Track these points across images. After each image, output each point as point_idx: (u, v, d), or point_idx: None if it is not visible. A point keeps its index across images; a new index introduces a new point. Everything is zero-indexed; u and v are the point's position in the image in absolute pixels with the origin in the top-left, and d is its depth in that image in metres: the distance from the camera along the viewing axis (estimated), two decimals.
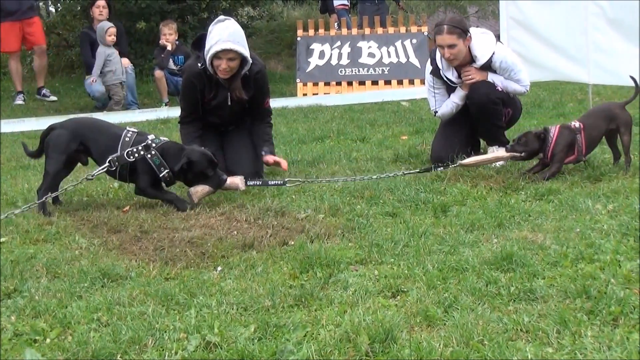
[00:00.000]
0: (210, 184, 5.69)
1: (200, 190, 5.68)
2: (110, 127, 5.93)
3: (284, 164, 6.36)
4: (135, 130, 5.83)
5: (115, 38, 12.10)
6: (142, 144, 5.65)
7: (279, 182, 5.94)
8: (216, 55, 6.01)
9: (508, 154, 6.06)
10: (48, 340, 3.40)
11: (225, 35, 6.00)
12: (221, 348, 3.26)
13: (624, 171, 5.87)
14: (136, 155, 5.62)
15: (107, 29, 11.93)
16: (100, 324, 3.56)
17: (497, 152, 6.24)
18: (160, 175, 5.63)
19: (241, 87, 6.23)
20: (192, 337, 3.33)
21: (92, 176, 5.70)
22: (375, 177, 6.04)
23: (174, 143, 5.88)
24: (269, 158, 6.37)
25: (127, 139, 5.70)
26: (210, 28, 6.15)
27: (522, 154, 6.00)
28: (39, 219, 5.37)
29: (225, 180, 5.75)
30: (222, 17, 6.25)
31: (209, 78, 6.21)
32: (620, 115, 6.01)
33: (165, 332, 3.39)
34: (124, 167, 5.65)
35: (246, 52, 6.07)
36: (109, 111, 11.84)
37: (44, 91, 13.34)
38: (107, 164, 5.60)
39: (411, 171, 6.22)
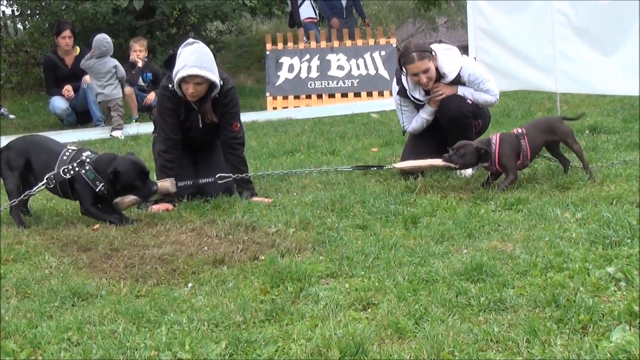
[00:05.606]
0: (139, 195, 5.73)
1: (127, 201, 5.74)
2: (52, 144, 6.00)
3: (267, 201, 6.20)
4: (75, 148, 5.88)
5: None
6: (77, 161, 5.69)
7: (210, 179, 6.10)
8: (183, 80, 6.01)
9: (443, 163, 6.10)
10: None
11: (192, 60, 5.98)
12: None
13: (589, 179, 5.91)
14: (72, 172, 5.66)
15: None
16: (70, 343, 3.54)
17: (433, 160, 6.32)
18: (97, 190, 5.64)
19: (212, 111, 6.21)
20: (163, 355, 3.32)
21: (32, 193, 5.80)
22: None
23: (107, 155, 5.91)
24: (254, 201, 6.23)
25: (64, 157, 5.75)
26: (179, 50, 6.13)
27: (458, 166, 6.07)
28: (8, 238, 5.34)
29: (156, 190, 5.77)
30: (190, 40, 6.23)
31: (180, 100, 6.20)
32: (560, 127, 6.12)
33: (137, 350, 3.38)
34: (64, 185, 5.70)
35: (214, 76, 6.04)
36: (79, 128, 11.75)
37: (2, 110, 13.31)
38: (45, 181, 5.68)
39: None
